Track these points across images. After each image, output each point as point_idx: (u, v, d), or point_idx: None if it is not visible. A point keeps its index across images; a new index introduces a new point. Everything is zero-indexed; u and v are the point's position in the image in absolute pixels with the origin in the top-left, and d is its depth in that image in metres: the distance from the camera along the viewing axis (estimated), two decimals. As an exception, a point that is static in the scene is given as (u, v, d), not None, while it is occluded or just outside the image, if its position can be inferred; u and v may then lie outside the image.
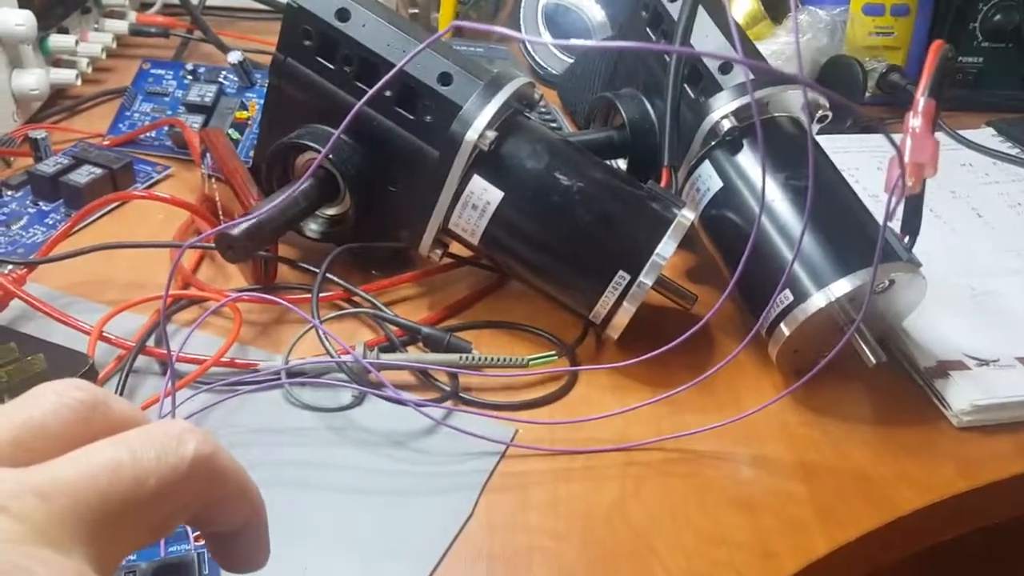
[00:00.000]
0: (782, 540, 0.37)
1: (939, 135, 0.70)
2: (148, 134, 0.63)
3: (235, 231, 0.42)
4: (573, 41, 0.78)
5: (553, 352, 0.44)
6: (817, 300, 0.41)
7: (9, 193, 0.56)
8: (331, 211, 0.50)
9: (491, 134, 0.42)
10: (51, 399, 0.20)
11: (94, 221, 0.54)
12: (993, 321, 0.48)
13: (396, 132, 0.45)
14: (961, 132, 0.71)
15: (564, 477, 0.39)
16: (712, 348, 0.48)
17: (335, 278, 0.47)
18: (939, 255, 0.48)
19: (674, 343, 0.40)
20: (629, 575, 0.35)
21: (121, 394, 0.40)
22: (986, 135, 0.72)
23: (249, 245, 0.42)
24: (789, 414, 0.43)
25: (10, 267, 0.45)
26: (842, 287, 0.40)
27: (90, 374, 0.39)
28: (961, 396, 0.43)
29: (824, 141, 0.50)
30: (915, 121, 0.35)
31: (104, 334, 0.42)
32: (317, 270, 0.47)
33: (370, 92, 0.37)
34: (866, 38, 0.75)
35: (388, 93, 0.44)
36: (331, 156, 0.46)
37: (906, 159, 0.33)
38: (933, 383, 0.44)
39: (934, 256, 0.45)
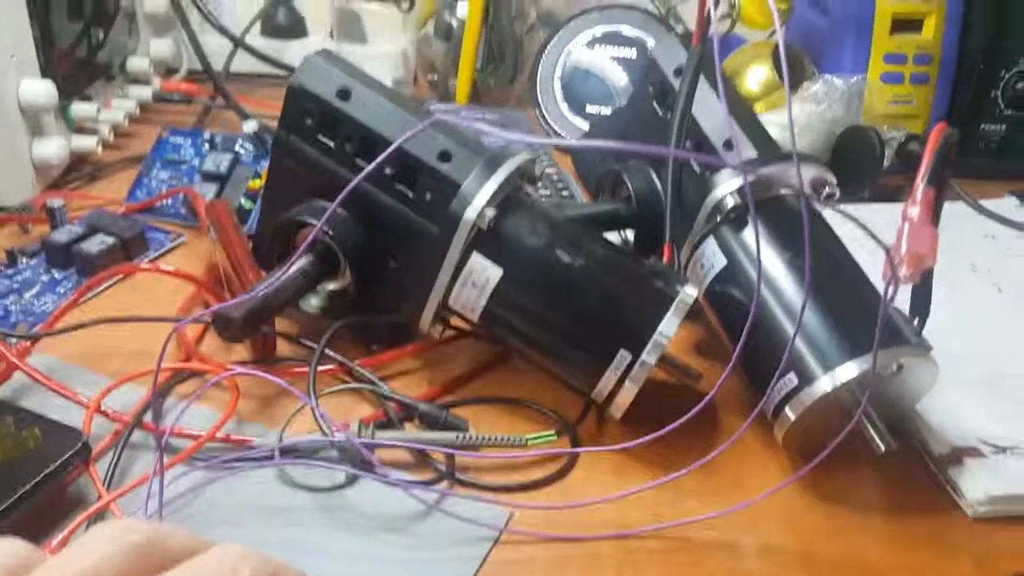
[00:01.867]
0: (784, 640, 0.35)
1: (959, 205, 0.69)
2: (164, 201, 0.64)
3: (234, 312, 0.42)
4: (570, 142, 0.78)
5: (552, 432, 0.43)
6: (823, 384, 0.40)
7: (24, 260, 0.57)
8: (331, 286, 0.49)
9: (490, 212, 0.42)
10: (104, 547, 0.19)
11: (104, 290, 0.54)
12: (1011, 405, 0.46)
13: (396, 209, 0.45)
14: (983, 202, 0.70)
15: (560, 565, 0.38)
16: (717, 428, 0.47)
17: (333, 354, 0.47)
18: (956, 334, 0.46)
19: (676, 424, 0.39)
20: (621, 675, 0.33)
21: (114, 472, 0.40)
22: (1009, 205, 0.70)
23: (247, 327, 0.42)
24: (796, 499, 0.42)
25: (15, 340, 0.45)
26: (848, 371, 0.39)
27: (83, 452, 0.38)
28: (976, 486, 0.41)
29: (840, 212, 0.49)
30: (913, 210, 0.34)
31: (102, 408, 0.42)
32: (316, 345, 0.46)
33: (367, 169, 0.38)
34: (885, 107, 0.75)
35: (388, 171, 0.45)
36: (331, 232, 0.46)
37: (903, 249, 0.32)
38: (947, 471, 0.42)
39: (950, 335, 0.43)
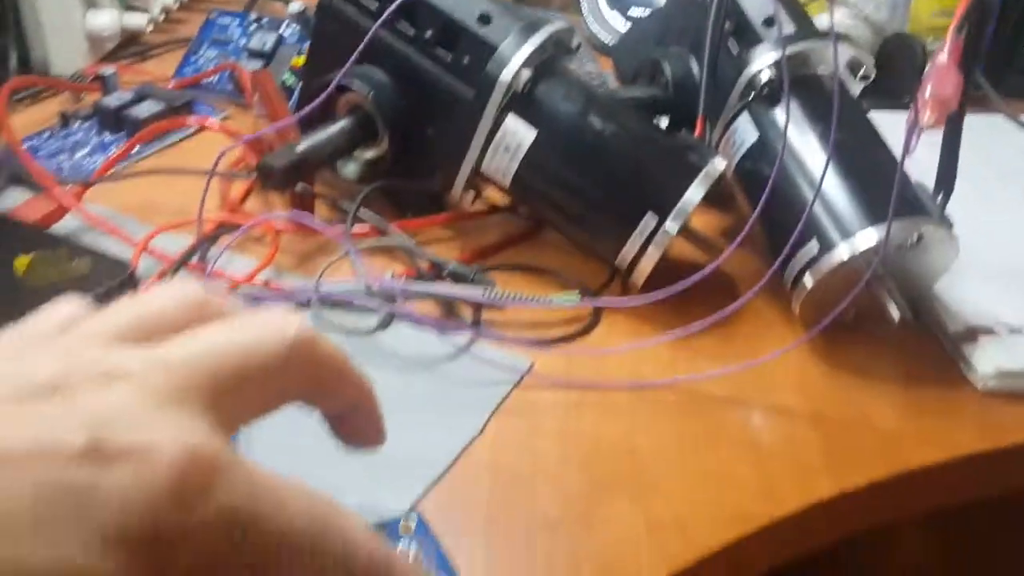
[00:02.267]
0: (787, 481, 0.37)
1: (998, 119, 0.69)
2: (210, 79, 0.65)
3: (275, 162, 0.44)
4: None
5: (576, 292, 0.45)
6: (841, 251, 0.41)
7: (77, 124, 0.59)
8: (369, 154, 0.51)
9: (526, 73, 0.43)
10: (168, 291, 0.22)
11: (153, 153, 0.57)
12: (1029, 291, 0.47)
13: (434, 73, 0.46)
14: (1024, 117, 0.69)
15: (575, 410, 0.40)
16: (736, 298, 0.48)
17: (369, 214, 0.49)
18: (980, 227, 0.46)
19: (693, 278, 0.41)
20: (628, 501, 0.35)
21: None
22: (1050, 121, 0.70)
23: (288, 175, 0.44)
24: (809, 367, 0.43)
25: (69, 184, 0.48)
26: (868, 238, 0.40)
27: (131, 281, 0.41)
28: (988, 360, 0.42)
29: (882, 117, 0.49)
30: (942, 56, 0.34)
31: (149, 248, 0.45)
32: (351, 208, 0.48)
33: (388, 11, 0.38)
34: (930, 18, 0.74)
35: (428, 34, 0.46)
36: (371, 96, 0.47)
37: (927, 93, 0.33)
38: (960, 347, 0.43)
39: (975, 227, 0.44)
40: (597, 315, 0.45)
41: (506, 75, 0.43)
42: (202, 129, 0.58)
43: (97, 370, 0.18)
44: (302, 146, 0.44)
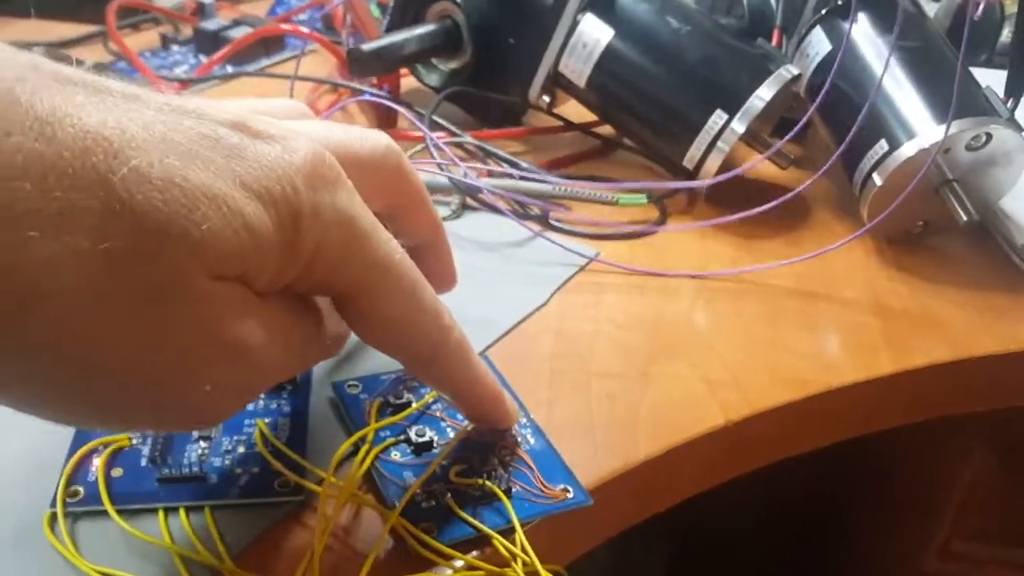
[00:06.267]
0: (847, 357, 0.37)
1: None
2: (300, 16, 0.69)
3: (363, 47, 0.47)
4: None
5: (643, 193, 0.46)
6: (908, 148, 0.41)
7: (176, 47, 0.63)
8: (452, 64, 0.53)
9: (605, -27, 0.44)
10: (278, 101, 0.28)
11: (243, 74, 0.60)
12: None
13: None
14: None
15: (638, 290, 0.41)
16: (807, 217, 0.48)
17: (445, 123, 0.51)
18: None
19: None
20: (685, 361, 0.36)
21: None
22: None
23: (374, 62, 0.47)
24: (874, 270, 0.44)
25: (170, 80, 0.51)
26: (934, 134, 0.41)
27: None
28: (1057, 267, 0.42)
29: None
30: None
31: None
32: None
33: None
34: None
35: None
36: (459, 2, 0.49)
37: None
38: (1028, 254, 0.43)
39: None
40: (663, 217, 0.47)
41: (585, -25, 0.45)
42: (296, 56, 0.61)
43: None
44: (389, 38, 0.47)
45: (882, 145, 0.42)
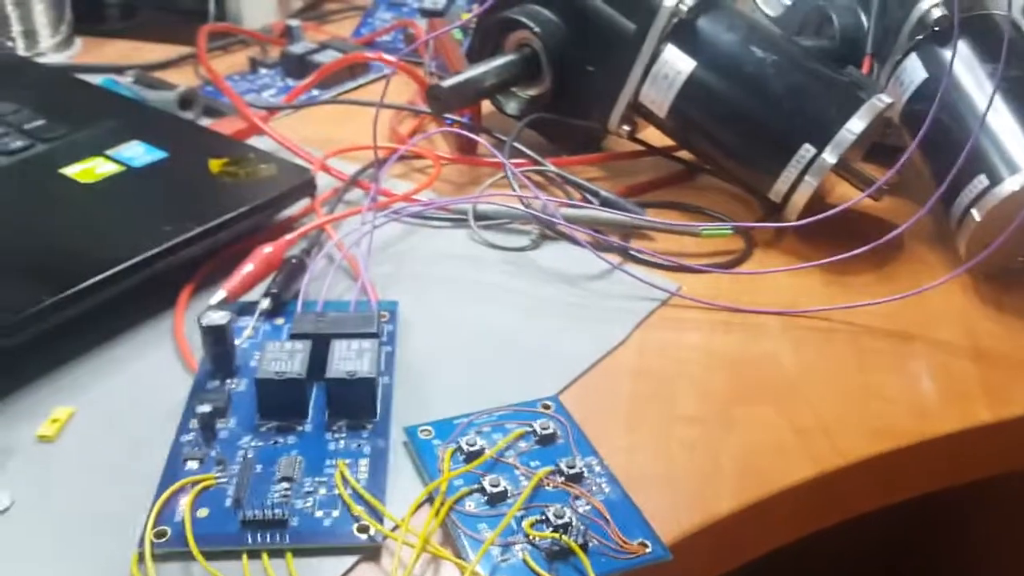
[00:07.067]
0: (942, 404, 0.35)
1: None
2: (384, 38, 0.70)
3: (443, 84, 0.47)
4: None
5: (728, 226, 0.45)
6: (1011, 183, 0.39)
7: (264, 70, 0.64)
8: (531, 92, 0.53)
9: (689, 1, 0.44)
10: None
11: (333, 98, 0.61)
12: None
13: (600, 8, 0.48)
14: None
15: (722, 327, 0.40)
16: (900, 250, 0.46)
17: (525, 149, 0.50)
18: None
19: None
20: (772, 407, 0.35)
21: (332, 210, 0.45)
22: None
23: (453, 99, 0.47)
24: (972, 310, 0.42)
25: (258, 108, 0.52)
26: (1043, 169, 0.38)
27: (309, 186, 0.44)
28: None
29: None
30: None
31: (326, 165, 0.48)
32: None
33: None
34: None
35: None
36: (537, 32, 0.49)
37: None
38: None
39: None
40: (749, 249, 0.45)
41: (669, 2, 0.44)
42: (380, 79, 0.61)
43: None
44: (468, 73, 0.47)
45: (982, 180, 0.40)
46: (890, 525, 0.61)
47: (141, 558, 0.26)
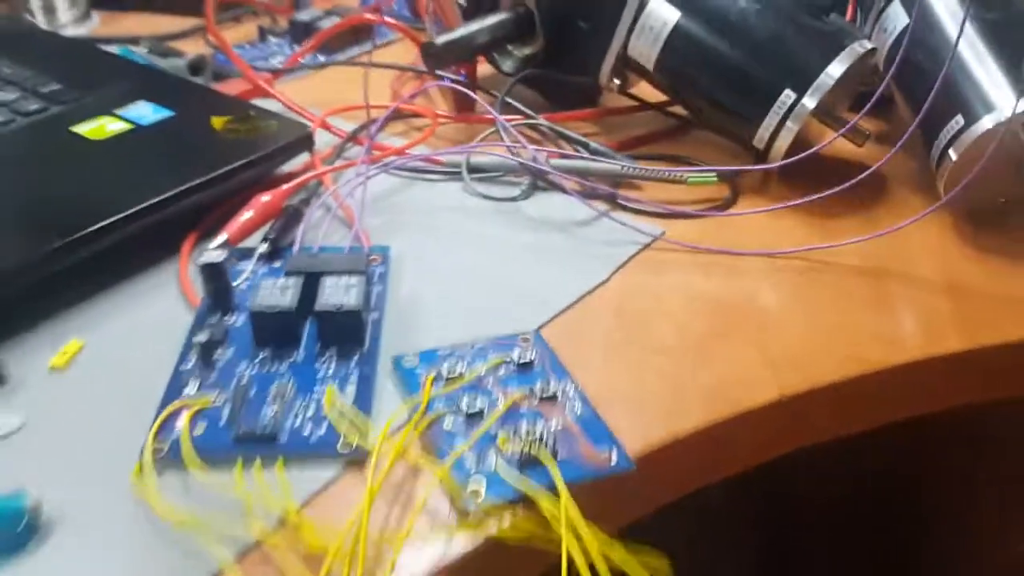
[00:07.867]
0: (913, 335, 0.37)
1: None
2: (390, 6, 0.71)
3: (437, 41, 0.48)
4: None
5: (713, 174, 0.46)
6: (985, 122, 0.40)
7: (273, 39, 0.66)
8: (525, 50, 0.54)
9: (672, -46, 0.45)
10: None
11: (327, 64, 0.63)
12: None
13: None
14: None
15: (703, 269, 0.41)
16: (884, 195, 0.47)
17: (518, 104, 0.52)
18: None
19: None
20: (745, 339, 0.36)
21: (334, 160, 0.47)
22: None
23: (446, 53, 0.48)
24: (952, 247, 0.43)
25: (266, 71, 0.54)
26: (1014, 106, 0.39)
27: (308, 141, 0.46)
28: None
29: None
30: None
31: (326, 123, 0.50)
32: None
33: None
34: None
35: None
36: (529, -12, 0.51)
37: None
38: (1121, 231, 0.41)
39: None
40: (734, 197, 0.47)
41: (652, -43, 0.45)
42: (386, 44, 0.63)
43: None
44: (462, 30, 0.48)
45: (958, 120, 0.41)
46: (880, 452, 0.62)
47: (142, 469, 0.28)
